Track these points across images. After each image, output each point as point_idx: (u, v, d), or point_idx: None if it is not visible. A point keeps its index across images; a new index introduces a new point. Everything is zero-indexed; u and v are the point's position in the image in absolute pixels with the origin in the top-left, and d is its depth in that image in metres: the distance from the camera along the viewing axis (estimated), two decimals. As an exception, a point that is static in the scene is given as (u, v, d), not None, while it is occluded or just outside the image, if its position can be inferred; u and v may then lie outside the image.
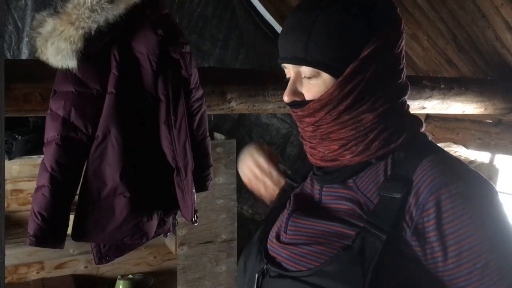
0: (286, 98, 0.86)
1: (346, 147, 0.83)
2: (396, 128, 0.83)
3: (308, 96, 0.84)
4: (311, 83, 0.83)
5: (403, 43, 0.85)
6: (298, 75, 0.84)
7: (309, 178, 0.97)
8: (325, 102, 0.81)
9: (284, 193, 1.00)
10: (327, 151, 0.85)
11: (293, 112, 0.88)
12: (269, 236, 0.92)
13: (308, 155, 0.91)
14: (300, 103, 0.85)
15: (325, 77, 0.81)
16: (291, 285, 0.79)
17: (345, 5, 0.79)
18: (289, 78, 0.87)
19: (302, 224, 0.86)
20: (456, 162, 0.81)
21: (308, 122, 0.85)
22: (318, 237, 0.82)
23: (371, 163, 0.84)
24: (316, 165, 0.90)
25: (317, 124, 0.84)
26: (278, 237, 0.89)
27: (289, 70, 0.86)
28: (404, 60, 0.86)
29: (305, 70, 0.82)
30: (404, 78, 0.87)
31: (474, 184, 0.77)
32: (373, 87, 0.81)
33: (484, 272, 0.73)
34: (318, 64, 0.80)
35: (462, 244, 0.74)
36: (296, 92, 0.85)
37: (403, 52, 0.86)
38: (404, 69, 0.87)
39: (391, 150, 0.82)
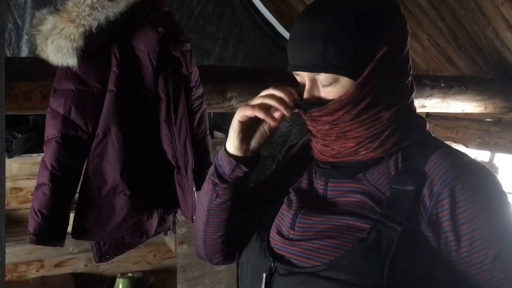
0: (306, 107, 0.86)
1: (362, 144, 0.84)
2: (408, 126, 0.86)
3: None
4: (328, 88, 0.83)
5: (408, 41, 0.87)
6: (314, 82, 0.85)
7: (306, 172, 0.97)
8: (345, 103, 0.82)
9: (279, 189, 0.99)
10: (342, 149, 0.86)
11: (309, 113, 0.87)
12: (270, 234, 0.91)
13: (317, 152, 0.90)
14: (318, 104, 0.84)
15: (344, 81, 0.82)
16: (307, 281, 0.79)
17: (356, 9, 0.80)
18: (303, 84, 0.87)
19: (311, 220, 0.85)
20: (464, 155, 0.85)
21: (325, 120, 0.85)
22: (330, 232, 0.82)
23: (383, 159, 0.85)
24: (325, 161, 0.90)
25: (334, 123, 0.84)
26: (281, 234, 0.89)
27: (303, 77, 0.86)
28: (410, 59, 0.88)
29: (323, 76, 0.82)
30: (411, 77, 0.89)
31: (484, 176, 0.81)
32: (389, 86, 0.83)
33: (495, 261, 0.76)
34: (337, 70, 0.81)
35: (475, 233, 0.76)
36: (314, 98, 0.86)
37: (409, 50, 0.87)
38: (411, 68, 0.89)
39: (403, 146, 0.85)
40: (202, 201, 0.97)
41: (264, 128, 0.92)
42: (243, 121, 0.89)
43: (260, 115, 0.87)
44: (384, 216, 0.78)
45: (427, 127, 0.91)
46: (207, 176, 0.95)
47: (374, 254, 0.75)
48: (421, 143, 0.85)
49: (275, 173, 1.08)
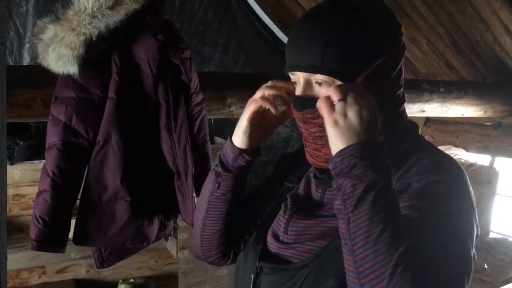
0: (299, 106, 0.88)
1: None
2: (400, 134, 0.89)
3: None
4: (323, 89, 0.85)
5: (403, 56, 0.90)
6: (309, 82, 0.86)
7: (304, 179, 0.98)
8: None
9: (280, 196, 1.01)
10: None
11: (301, 114, 0.88)
12: (267, 239, 0.94)
13: (310, 158, 0.92)
14: (311, 105, 0.85)
15: (338, 84, 0.83)
16: (287, 274, 0.84)
17: (359, 17, 0.83)
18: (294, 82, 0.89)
19: (303, 224, 0.89)
20: (446, 157, 0.87)
21: (316, 123, 0.86)
22: (321, 234, 0.85)
23: None
24: (320, 167, 0.91)
25: (324, 126, 0.85)
26: (276, 238, 0.92)
27: (298, 77, 0.87)
28: (403, 71, 0.91)
29: (318, 77, 0.84)
30: (402, 88, 0.92)
31: (453, 174, 0.83)
32: (381, 96, 0.83)
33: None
34: (333, 73, 0.82)
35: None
36: (307, 96, 0.87)
37: (403, 64, 0.91)
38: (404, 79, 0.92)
39: (393, 149, 0.87)
40: (203, 195, 1.00)
41: (270, 119, 0.94)
42: (251, 118, 0.91)
43: (266, 104, 0.90)
44: None
45: (419, 132, 0.94)
46: (211, 169, 0.99)
47: None
48: (411, 149, 0.87)
49: (271, 174, 1.10)
